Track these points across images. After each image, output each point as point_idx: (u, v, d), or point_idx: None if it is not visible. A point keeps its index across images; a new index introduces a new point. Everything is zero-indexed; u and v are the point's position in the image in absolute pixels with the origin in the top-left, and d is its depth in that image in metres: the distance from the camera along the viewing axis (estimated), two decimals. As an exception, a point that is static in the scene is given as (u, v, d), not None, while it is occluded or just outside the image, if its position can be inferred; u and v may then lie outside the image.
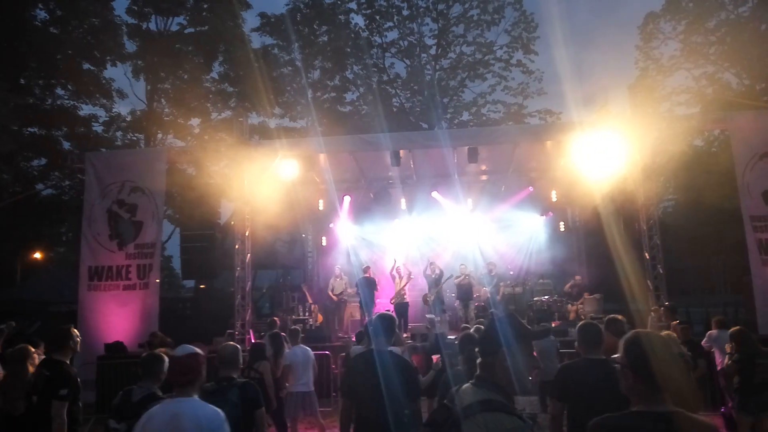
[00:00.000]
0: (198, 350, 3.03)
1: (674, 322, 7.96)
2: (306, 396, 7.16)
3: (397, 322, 4.23)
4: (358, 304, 13.48)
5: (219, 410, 2.86)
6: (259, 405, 3.81)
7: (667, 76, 20.79)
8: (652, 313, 9.99)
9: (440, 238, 15.50)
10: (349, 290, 14.01)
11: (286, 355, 7.25)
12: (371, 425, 3.76)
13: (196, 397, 2.89)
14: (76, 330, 4.85)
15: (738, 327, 6.43)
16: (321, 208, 15.17)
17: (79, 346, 4.86)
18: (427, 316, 12.69)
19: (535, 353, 8.64)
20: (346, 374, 4.14)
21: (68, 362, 4.68)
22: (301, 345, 7.47)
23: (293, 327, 8.39)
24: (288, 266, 19.02)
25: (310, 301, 14.52)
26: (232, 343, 4.26)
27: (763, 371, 5.85)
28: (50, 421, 4.35)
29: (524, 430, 1.99)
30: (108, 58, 20.69)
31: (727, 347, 6.36)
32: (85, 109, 20.70)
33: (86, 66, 20.28)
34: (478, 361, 2.27)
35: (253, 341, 7.67)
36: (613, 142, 10.46)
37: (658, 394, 1.97)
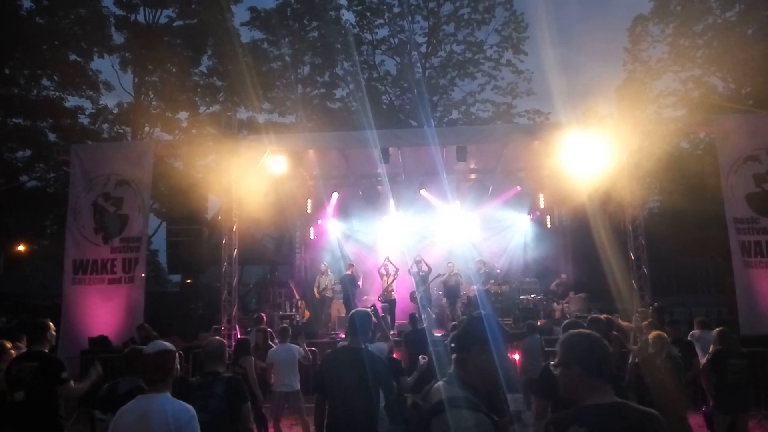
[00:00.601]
0: (170, 346, 3.04)
1: (645, 322, 8.01)
2: (289, 396, 7.01)
3: (372, 319, 4.24)
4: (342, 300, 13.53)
5: (189, 406, 2.87)
6: (245, 400, 3.81)
7: (654, 78, 21.01)
8: (637, 314, 10.08)
9: (428, 236, 15.55)
10: (334, 286, 13.99)
11: (269, 354, 7.18)
12: (342, 421, 3.77)
13: (167, 393, 2.90)
14: (51, 323, 4.83)
15: (720, 327, 6.50)
16: (309, 204, 15.15)
17: (54, 339, 4.86)
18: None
19: (518, 354, 8.66)
20: (318, 370, 4.15)
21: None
22: (288, 344, 7.28)
23: (283, 325, 8.24)
24: (275, 262, 18.99)
25: (297, 297, 14.52)
26: (218, 338, 4.26)
27: (737, 371, 5.92)
28: (43, 413, 4.32)
29: (488, 427, 2.00)
30: (95, 49, 20.49)
31: (712, 347, 6.43)
32: (71, 101, 20.53)
33: (73, 57, 20.08)
34: (453, 357, 2.29)
35: (238, 336, 7.61)
36: (600, 143, 10.54)
37: (604, 386, 2.07)
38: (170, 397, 2.89)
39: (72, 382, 4.44)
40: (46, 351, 4.62)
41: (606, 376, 2.09)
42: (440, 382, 2.25)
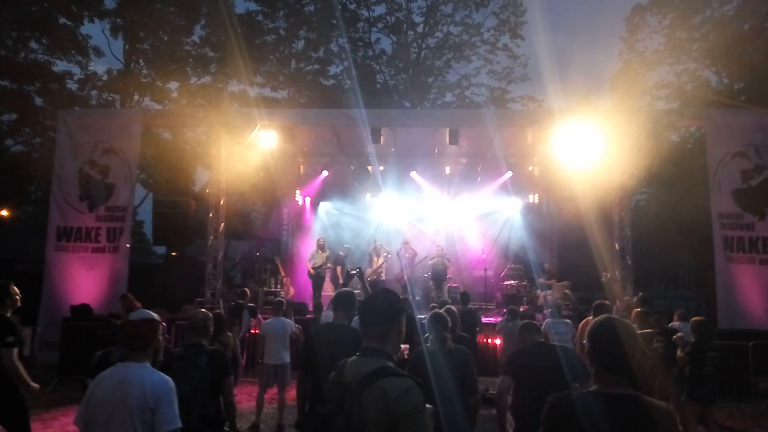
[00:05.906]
0: (154, 316, 3.00)
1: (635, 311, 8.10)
2: (278, 368, 7.21)
3: (356, 298, 4.27)
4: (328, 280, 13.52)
5: (168, 378, 2.83)
6: (227, 373, 3.84)
7: (649, 69, 20.93)
8: (618, 302, 10.20)
9: (417, 218, 15.56)
10: (329, 265, 13.75)
11: (263, 326, 7.34)
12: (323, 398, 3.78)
13: (147, 363, 2.87)
14: (15, 287, 4.80)
15: (699, 317, 6.61)
16: (298, 180, 15.05)
17: (19, 302, 4.82)
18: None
19: (498, 339, 8.68)
20: (306, 346, 4.16)
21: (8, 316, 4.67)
22: (280, 317, 7.52)
23: (278, 299, 8.42)
24: (262, 238, 18.90)
25: (283, 273, 14.48)
26: (203, 310, 4.25)
27: (713, 363, 6.06)
28: None
29: (418, 391, 2.06)
30: (85, 13, 20.01)
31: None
32: (60, 66, 20.05)
33: (62, 20, 19.61)
34: (371, 331, 2.33)
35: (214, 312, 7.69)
36: (592, 132, 10.57)
37: (613, 377, 2.02)
38: (149, 367, 2.86)
39: (16, 350, 4.42)
40: (6, 315, 4.63)
41: (616, 368, 2.03)
42: (354, 357, 2.29)
